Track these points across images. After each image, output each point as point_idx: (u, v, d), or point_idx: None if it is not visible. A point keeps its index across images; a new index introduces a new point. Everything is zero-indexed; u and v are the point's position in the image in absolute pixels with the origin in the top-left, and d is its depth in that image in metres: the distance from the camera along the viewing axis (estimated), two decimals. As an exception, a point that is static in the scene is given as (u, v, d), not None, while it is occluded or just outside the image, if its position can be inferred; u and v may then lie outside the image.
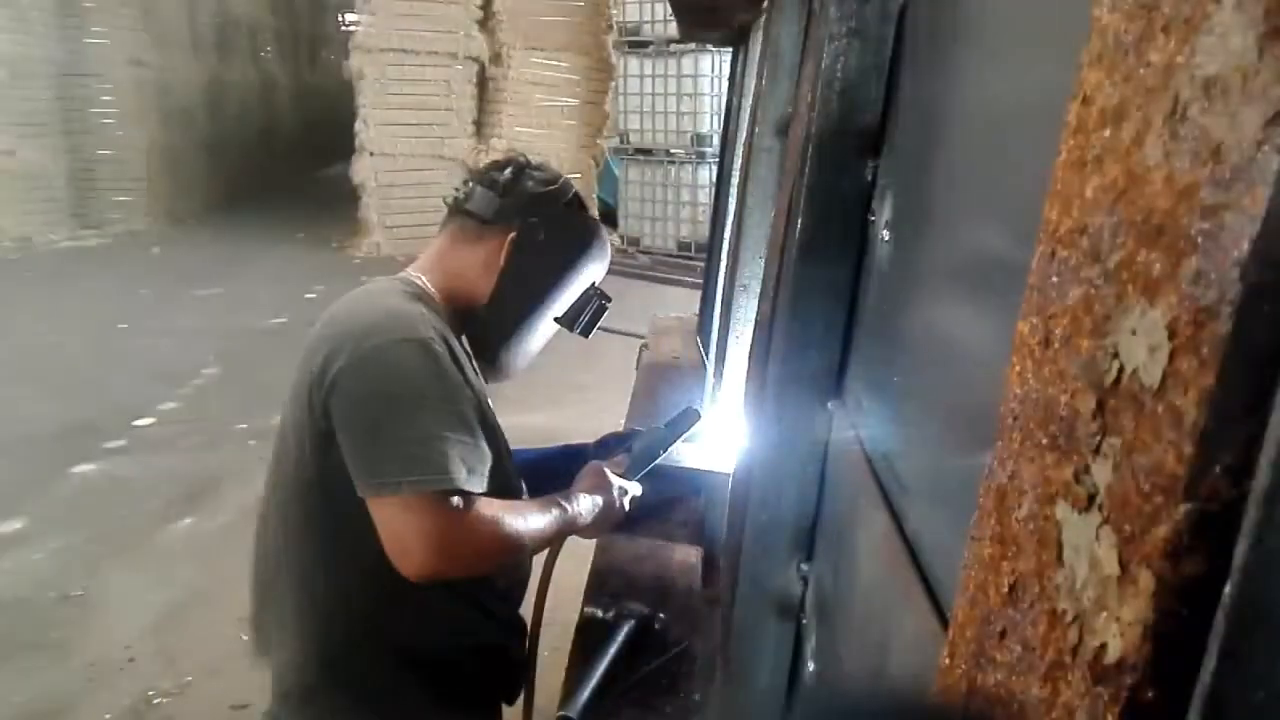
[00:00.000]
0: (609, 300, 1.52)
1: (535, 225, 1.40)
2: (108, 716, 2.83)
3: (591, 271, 1.49)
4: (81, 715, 2.84)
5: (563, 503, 1.39)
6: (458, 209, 1.43)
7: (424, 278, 1.39)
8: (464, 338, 1.41)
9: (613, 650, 1.65)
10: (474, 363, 1.42)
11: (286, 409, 1.30)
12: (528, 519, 1.29)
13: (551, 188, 1.44)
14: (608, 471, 1.51)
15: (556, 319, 1.47)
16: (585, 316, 1.49)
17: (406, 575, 1.17)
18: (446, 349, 1.24)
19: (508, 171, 1.43)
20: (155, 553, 3.83)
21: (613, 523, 1.50)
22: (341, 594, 1.29)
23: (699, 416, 1.67)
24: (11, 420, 5.05)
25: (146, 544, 3.89)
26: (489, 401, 1.39)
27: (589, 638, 1.71)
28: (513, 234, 1.39)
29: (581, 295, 1.48)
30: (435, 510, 1.15)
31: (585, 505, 1.43)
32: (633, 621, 1.74)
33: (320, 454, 1.23)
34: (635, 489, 1.55)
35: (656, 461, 1.63)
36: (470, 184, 1.45)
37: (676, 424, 1.66)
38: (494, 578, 1.41)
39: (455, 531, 1.17)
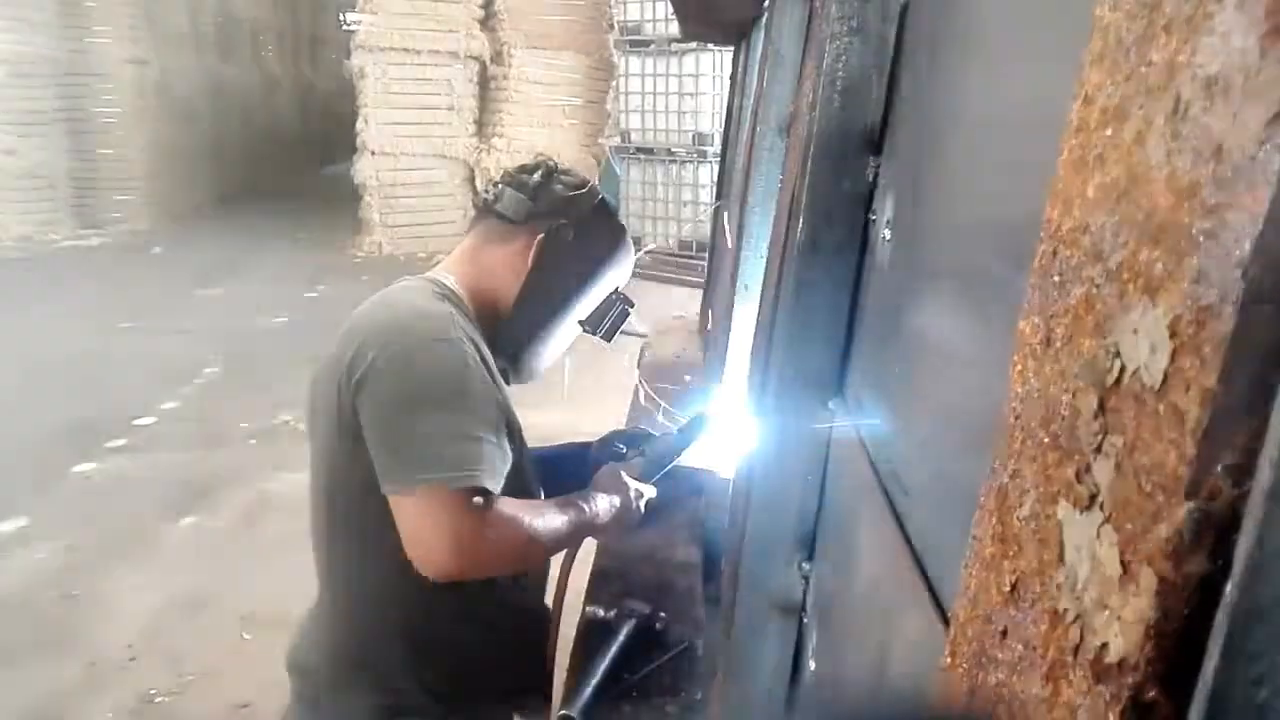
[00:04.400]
0: (632, 305, 1.52)
1: (563, 228, 1.40)
2: (108, 716, 2.83)
3: (616, 276, 1.49)
4: (81, 715, 2.84)
5: (581, 504, 1.39)
6: (486, 210, 1.44)
7: (451, 278, 1.40)
8: (489, 338, 1.42)
9: (613, 650, 1.65)
10: (497, 363, 1.43)
11: (316, 406, 1.31)
12: (547, 519, 1.29)
13: (580, 191, 1.45)
14: (624, 474, 1.50)
15: (580, 322, 1.48)
16: (608, 321, 1.50)
17: (425, 574, 1.17)
18: (474, 349, 1.25)
19: (537, 174, 1.44)
20: (155, 553, 3.83)
21: (629, 525, 1.50)
22: (368, 587, 1.30)
23: (713, 422, 1.67)
24: (11, 420, 5.05)
25: (146, 544, 3.89)
26: (511, 403, 1.40)
27: (589, 637, 1.71)
28: (540, 236, 1.40)
29: (605, 299, 1.49)
30: (456, 510, 1.16)
31: (603, 506, 1.43)
32: (633, 621, 1.74)
33: (348, 451, 1.24)
34: (650, 491, 1.55)
35: (670, 465, 1.63)
36: (499, 185, 1.46)
37: (691, 429, 1.67)
38: (520, 575, 1.42)
39: (475, 531, 1.17)
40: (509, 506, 1.22)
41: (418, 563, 1.17)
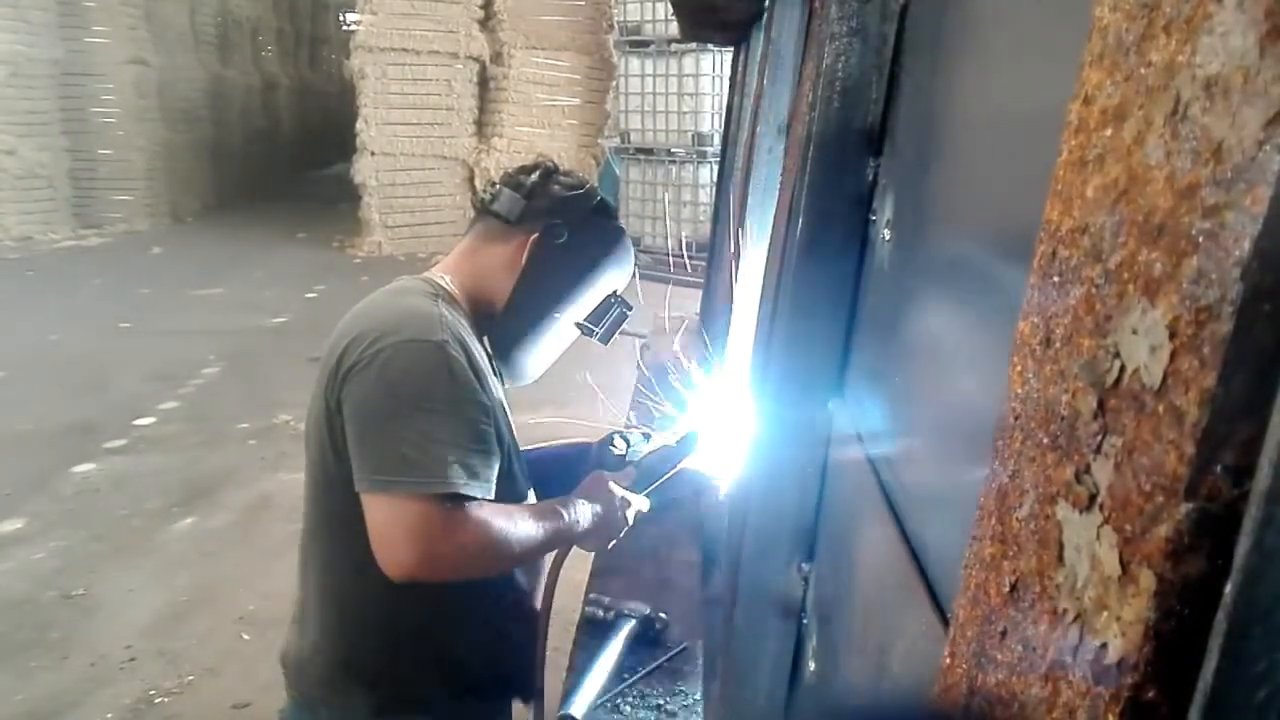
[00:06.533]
0: (630, 308, 1.51)
1: (558, 228, 1.40)
2: (108, 717, 2.83)
3: (613, 278, 1.49)
4: (81, 715, 2.84)
5: (560, 510, 1.38)
6: (484, 210, 1.44)
7: (447, 278, 1.40)
8: (485, 339, 1.42)
9: (613, 650, 1.65)
10: (494, 364, 1.43)
11: (310, 404, 1.31)
12: (520, 526, 1.28)
13: (577, 192, 1.45)
14: (611, 483, 1.49)
15: (577, 324, 1.47)
16: (605, 323, 1.49)
17: (389, 574, 1.17)
18: (463, 351, 1.24)
19: (535, 175, 1.44)
20: (155, 553, 3.83)
21: (614, 534, 1.49)
22: (358, 587, 1.30)
23: (711, 436, 1.67)
24: (12, 420, 5.05)
25: (146, 544, 3.89)
26: (506, 405, 1.39)
27: (589, 637, 1.71)
28: (534, 236, 1.39)
29: (602, 301, 1.48)
30: (424, 512, 1.16)
31: (584, 513, 1.41)
32: (633, 621, 1.74)
33: (336, 449, 1.24)
34: (642, 503, 1.54)
35: (665, 478, 1.62)
36: (497, 186, 1.45)
37: (686, 442, 1.66)
38: (511, 577, 1.42)
39: (440, 536, 1.17)
40: (481, 511, 1.21)
41: (381, 562, 1.17)
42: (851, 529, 0.98)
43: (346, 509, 1.24)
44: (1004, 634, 0.42)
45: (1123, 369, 0.35)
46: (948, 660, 0.49)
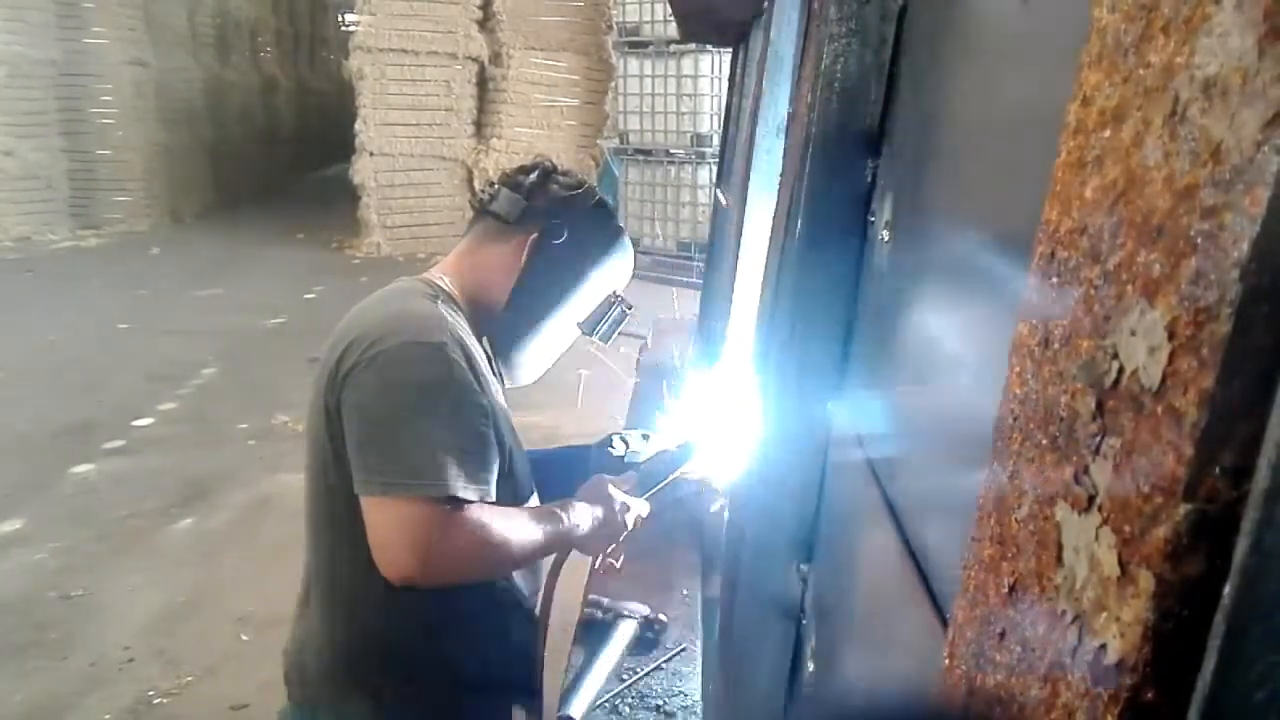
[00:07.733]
0: (630, 307, 1.51)
1: (556, 228, 1.40)
2: (108, 717, 2.83)
3: (613, 277, 1.49)
4: (81, 715, 2.83)
5: (560, 513, 1.37)
6: (483, 211, 1.44)
7: (447, 278, 1.40)
8: (485, 339, 1.42)
9: (613, 650, 1.65)
10: (495, 365, 1.42)
11: (309, 406, 1.31)
12: (519, 529, 1.28)
13: (576, 192, 1.45)
14: (611, 487, 1.49)
15: (577, 323, 1.47)
16: (606, 323, 1.49)
17: (388, 577, 1.17)
18: (462, 353, 1.24)
19: (533, 175, 1.44)
20: (155, 553, 3.83)
21: (614, 538, 1.49)
22: (358, 589, 1.30)
23: (711, 439, 1.67)
24: (11, 420, 5.05)
25: (146, 544, 3.89)
26: (505, 406, 1.39)
27: (589, 638, 1.71)
28: (533, 235, 1.39)
29: (603, 301, 1.48)
30: (423, 515, 1.15)
31: (583, 516, 1.41)
32: (633, 621, 1.74)
33: (335, 451, 1.23)
34: (643, 507, 1.53)
35: (667, 482, 1.62)
36: (496, 186, 1.45)
37: (688, 447, 1.66)
38: (513, 579, 1.42)
39: (441, 540, 1.17)
40: (480, 514, 1.21)
41: (381, 566, 1.17)
42: (850, 530, 0.98)
43: (346, 511, 1.24)
44: (1003, 635, 0.42)
45: (1121, 370, 0.35)
46: (947, 661, 0.49)
